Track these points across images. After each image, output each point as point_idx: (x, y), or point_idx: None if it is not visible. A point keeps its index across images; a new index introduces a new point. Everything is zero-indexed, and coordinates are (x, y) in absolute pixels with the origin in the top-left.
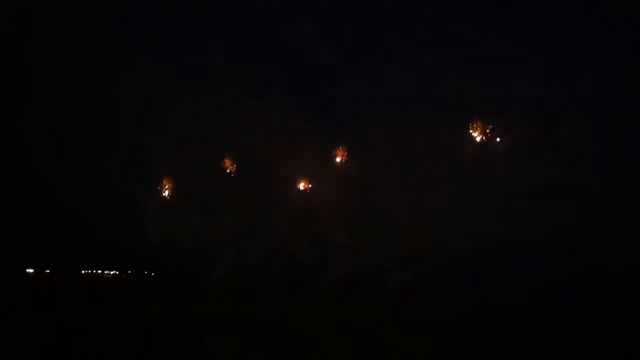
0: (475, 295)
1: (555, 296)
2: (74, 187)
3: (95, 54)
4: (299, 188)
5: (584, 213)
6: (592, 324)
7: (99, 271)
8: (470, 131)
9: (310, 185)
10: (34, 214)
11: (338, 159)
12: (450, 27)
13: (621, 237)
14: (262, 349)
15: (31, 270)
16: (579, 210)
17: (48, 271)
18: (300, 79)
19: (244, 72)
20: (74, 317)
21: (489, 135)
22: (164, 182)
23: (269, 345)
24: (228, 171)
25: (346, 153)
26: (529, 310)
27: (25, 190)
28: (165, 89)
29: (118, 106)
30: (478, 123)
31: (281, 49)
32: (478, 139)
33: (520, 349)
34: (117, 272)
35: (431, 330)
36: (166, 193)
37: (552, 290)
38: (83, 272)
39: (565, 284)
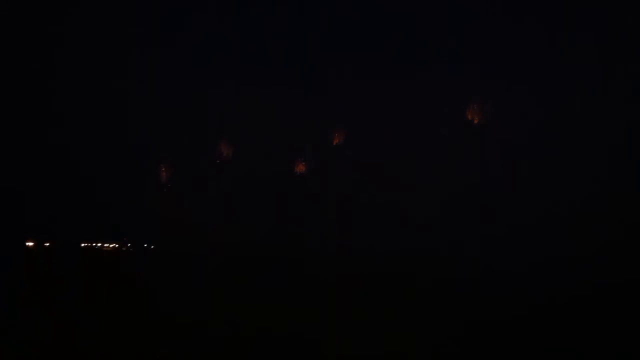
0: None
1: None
2: (74, 158)
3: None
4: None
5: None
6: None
7: (99, 244)
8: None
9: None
10: (34, 185)
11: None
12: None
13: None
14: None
15: (31, 243)
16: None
17: (48, 244)
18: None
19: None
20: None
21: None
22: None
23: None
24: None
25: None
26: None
27: (25, 162)
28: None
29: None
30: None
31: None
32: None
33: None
34: (116, 245)
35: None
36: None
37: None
38: (83, 244)
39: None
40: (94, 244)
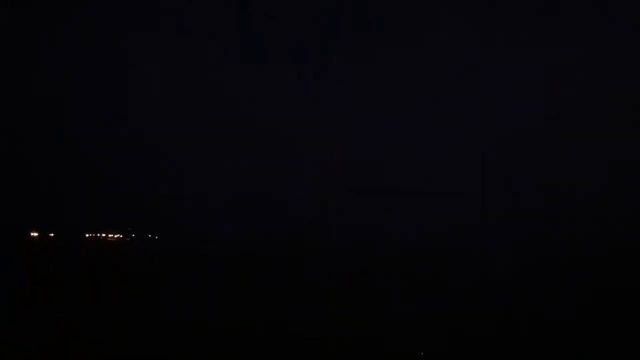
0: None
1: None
2: (80, 148)
3: None
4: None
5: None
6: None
7: (103, 234)
8: None
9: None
10: (39, 177)
11: None
12: None
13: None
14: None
15: (36, 234)
16: None
17: (52, 234)
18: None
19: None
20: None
21: None
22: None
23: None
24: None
25: None
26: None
27: (30, 153)
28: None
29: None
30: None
31: None
32: None
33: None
34: (120, 235)
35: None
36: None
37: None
38: (87, 235)
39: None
40: (98, 234)
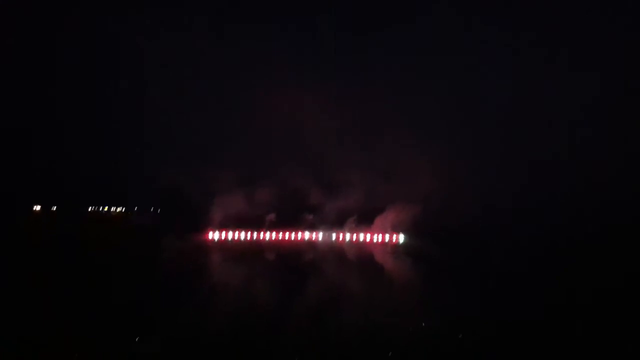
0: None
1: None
2: (80, 122)
3: None
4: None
5: None
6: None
7: (105, 208)
8: None
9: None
10: (41, 150)
11: None
12: None
13: None
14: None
15: (38, 207)
16: None
17: (54, 208)
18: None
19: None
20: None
21: None
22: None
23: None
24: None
25: None
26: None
27: (31, 127)
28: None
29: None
30: None
31: None
32: None
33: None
34: (122, 210)
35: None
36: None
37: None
38: (89, 209)
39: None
40: (100, 208)
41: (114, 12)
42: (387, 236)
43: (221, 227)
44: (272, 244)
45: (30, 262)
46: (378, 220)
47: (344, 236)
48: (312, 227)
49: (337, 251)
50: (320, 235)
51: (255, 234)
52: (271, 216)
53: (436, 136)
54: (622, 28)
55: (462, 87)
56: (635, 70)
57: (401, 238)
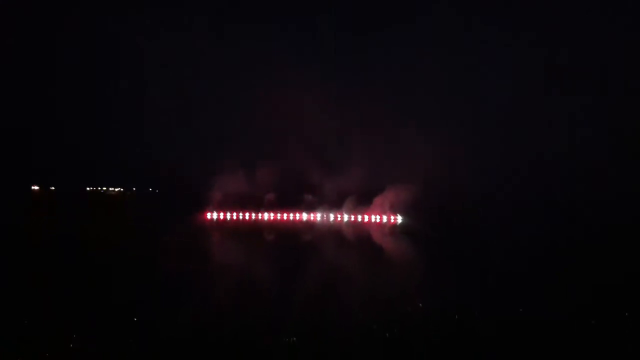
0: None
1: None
2: (79, 102)
3: None
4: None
5: None
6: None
7: (104, 188)
8: None
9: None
10: (40, 131)
11: None
12: None
13: None
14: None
15: (36, 187)
16: None
17: (53, 188)
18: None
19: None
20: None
21: None
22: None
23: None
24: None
25: None
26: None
27: (30, 108)
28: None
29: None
30: None
31: None
32: None
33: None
34: (121, 189)
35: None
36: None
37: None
38: (88, 189)
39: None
40: (99, 188)
41: (114, 12)
42: (384, 217)
43: (220, 207)
44: (270, 224)
45: (30, 262)
46: (377, 201)
47: (342, 216)
48: (311, 208)
49: (335, 231)
50: (319, 215)
51: (254, 214)
52: (270, 196)
53: (434, 129)
54: (622, 28)
55: (461, 87)
56: (635, 70)
57: (399, 219)
